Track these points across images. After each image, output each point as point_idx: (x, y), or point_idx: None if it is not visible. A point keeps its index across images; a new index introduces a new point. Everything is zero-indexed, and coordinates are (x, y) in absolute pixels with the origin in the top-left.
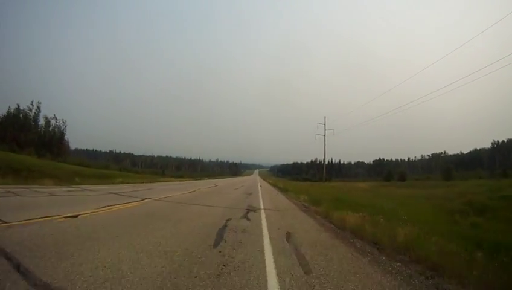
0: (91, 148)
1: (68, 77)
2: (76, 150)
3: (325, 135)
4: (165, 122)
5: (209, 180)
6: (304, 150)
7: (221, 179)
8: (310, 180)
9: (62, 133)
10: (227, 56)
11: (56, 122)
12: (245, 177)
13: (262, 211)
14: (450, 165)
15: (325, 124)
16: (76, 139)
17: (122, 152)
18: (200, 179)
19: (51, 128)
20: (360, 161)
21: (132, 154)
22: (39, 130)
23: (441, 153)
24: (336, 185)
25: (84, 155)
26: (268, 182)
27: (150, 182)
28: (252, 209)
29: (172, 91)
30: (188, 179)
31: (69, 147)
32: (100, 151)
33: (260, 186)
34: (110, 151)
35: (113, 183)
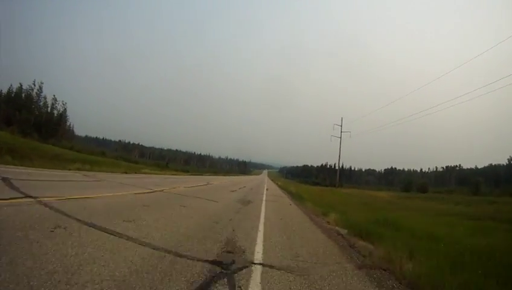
0: (101, 137)
1: (81, 66)
2: (86, 137)
3: (340, 137)
4: (177, 116)
5: (210, 176)
6: (315, 153)
7: (224, 177)
8: (320, 184)
9: (61, 115)
10: (239, 56)
11: (56, 103)
12: (252, 177)
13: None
14: (479, 178)
15: (341, 126)
16: (87, 127)
17: (131, 142)
18: (201, 175)
19: (49, 110)
20: (371, 168)
21: (141, 145)
22: (35, 110)
23: (456, 166)
24: (351, 192)
25: (94, 143)
26: (277, 184)
27: (125, 173)
28: (225, 264)
29: (186, 87)
30: (191, 173)
31: (72, 131)
32: (110, 140)
33: (266, 189)
34: (119, 140)
35: (69, 169)
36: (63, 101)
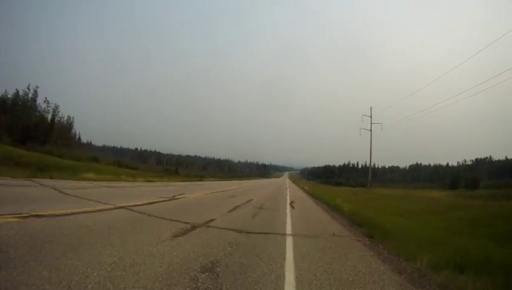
0: (119, 146)
1: (90, 77)
2: (104, 146)
3: (371, 130)
4: (195, 122)
5: (222, 182)
6: (336, 153)
7: (239, 181)
8: (344, 184)
9: (52, 120)
10: (249, 55)
11: (48, 106)
12: (272, 180)
13: None
14: None
15: (371, 117)
16: (105, 137)
17: (148, 150)
18: (214, 180)
19: (38, 113)
20: (394, 165)
21: (158, 152)
22: (18, 113)
23: (486, 158)
24: (390, 193)
25: (111, 152)
26: (303, 189)
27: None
28: None
29: (202, 93)
30: (205, 179)
31: (79, 139)
32: (128, 148)
33: (291, 203)
34: (136, 148)
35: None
36: (55, 104)
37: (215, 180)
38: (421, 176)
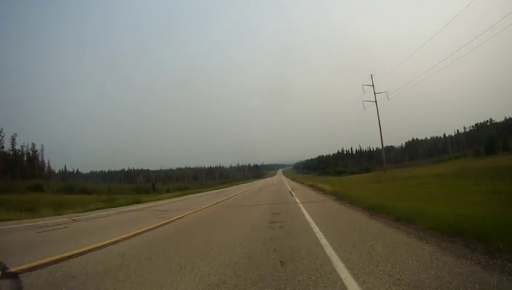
0: (106, 170)
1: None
2: (92, 172)
3: (376, 101)
4: (180, 134)
5: (200, 194)
6: (327, 143)
7: (225, 190)
8: (345, 172)
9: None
10: (232, 58)
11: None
12: (267, 180)
13: None
14: None
15: (373, 86)
16: (92, 163)
17: (134, 168)
18: (198, 192)
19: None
20: (388, 145)
21: (146, 169)
22: None
23: (486, 121)
24: (420, 174)
25: (100, 177)
26: (306, 185)
27: None
28: None
29: (183, 104)
30: (186, 193)
31: (48, 168)
32: (115, 170)
33: (310, 216)
34: (122, 169)
35: None
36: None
37: (199, 193)
38: (420, 151)
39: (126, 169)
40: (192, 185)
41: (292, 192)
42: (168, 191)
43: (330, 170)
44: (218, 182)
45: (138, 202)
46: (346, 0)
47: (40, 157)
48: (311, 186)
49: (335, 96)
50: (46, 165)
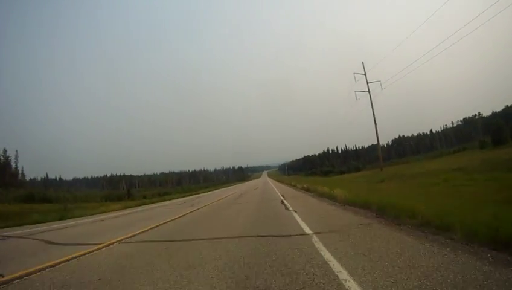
0: (89, 176)
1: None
2: (74, 179)
3: (369, 91)
4: (163, 138)
5: (164, 203)
6: (311, 143)
7: (202, 194)
8: (333, 172)
9: None
10: (227, 60)
11: None
12: (252, 182)
13: None
14: None
15: (365, 74)
16: (77, 169)
17: (117, 174)
18: (172, 199)
19: None
20: (374, 143)
21: (128, 175)
22: None
23: (474, 115)
24: (427, 170)
25: (83, 184)
26: (300, 189)
27: None
28: None
29: (170, 106)
30: (151, 201)
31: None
32: (98, 177)
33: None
34: (105, 175)
35: None
36: None
37: (172, 199)
38: (407, 148)
39: (109, 175)
40: (174, 190)
41: (285, 201)
42: (145, 197)
43: (317, 171)
44: (202, 185)
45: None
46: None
47: (14, 164)
48: (307, 190)
49: (320, 96)
50: (20, 172)
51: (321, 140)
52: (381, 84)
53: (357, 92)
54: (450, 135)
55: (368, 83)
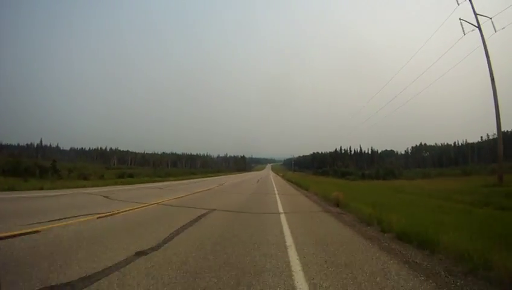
0: (87, 148)
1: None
2: (72, 149)
3: (479, 26)
4: (174, 120)
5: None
6: (321, 142)
7: (182, 181)
8: (350, 174)
9: None
10: (236, 53)
11: None
12: (252, 174)
13: None
14: None
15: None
16: (75, 139)
17: (109, 148)
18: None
19: None
20: (388, 149)
21: (126, 150)
22: None
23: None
24: None
25: (74, 155)
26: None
27: None
28: None
29: (181, 88)
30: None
31: None
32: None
33: None
34: (99, 148)
35: None
36: None
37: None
38: (428, 158)
39: (101, 148)
40: (156, 172)
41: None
42: (85, 179)
43: (329, 170)
44: (196, 171)
45: None
46: (348, 2)
47: None
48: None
49: (331, 96)
50: None
51: (329, 140)
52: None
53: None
54: (485, 148)
55: (476, 15)
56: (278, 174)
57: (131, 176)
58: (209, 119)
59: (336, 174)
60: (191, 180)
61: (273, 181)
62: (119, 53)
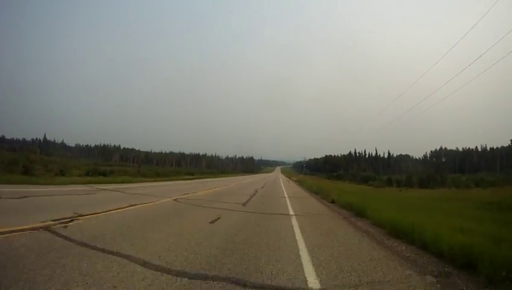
0: (93, 145)
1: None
2: (77, 146)
3: None
4: (182, 120)
5: None
6: (331, 145)
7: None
8: (373, 179)
9: None
10: (242, 55)
11: None
12: (260, 176)
13: None
14: None
15: None
16: (83, 136)
17: (111, 145)
18: None
19: None
20: (403, 153)
21: (125, 148)
22: None
23: None
24: None
25: (78, 151)
26: None
27: None
28: None
29: (189, 90)
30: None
31: None
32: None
33: None
34: (101, 144)
35: None
36: None
37: None
38: (449, 162)
39: (104, 144)
40: (141, 171)
41: None
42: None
43: (346, 174)
44: (195, 171)
45: None
46: (353, 3)
47: None
48: None
49: (340, 99)
50: None
51: (339, 144)
52: None
53: None
54: (500, 154)
55: None
56: (290, 179)
57: (104, 174)
58: (218, 121)
59: (354, 179)
60: (177, 181)
61: (284, 189)
62: (130, 54)
